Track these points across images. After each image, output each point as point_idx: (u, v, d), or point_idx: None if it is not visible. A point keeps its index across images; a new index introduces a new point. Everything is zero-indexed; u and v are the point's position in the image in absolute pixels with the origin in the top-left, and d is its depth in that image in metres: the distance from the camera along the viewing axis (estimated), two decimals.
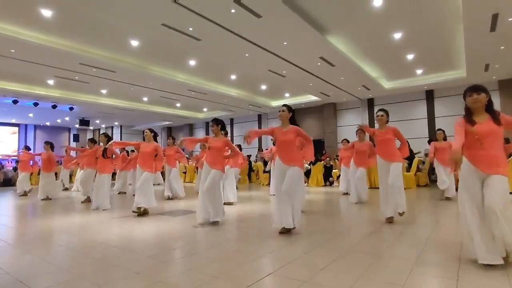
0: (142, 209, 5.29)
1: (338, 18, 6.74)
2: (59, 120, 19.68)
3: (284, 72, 9.70)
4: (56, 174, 9.44)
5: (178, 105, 15.30)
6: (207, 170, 4.50)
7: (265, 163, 12.06)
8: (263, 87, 12.48)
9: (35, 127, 21.46)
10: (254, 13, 5.87)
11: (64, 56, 7.95)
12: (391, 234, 3.75)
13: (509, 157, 6.15)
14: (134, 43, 7.77)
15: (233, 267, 2.65)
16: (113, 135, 21.77)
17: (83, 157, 7.31)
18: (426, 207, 6.02)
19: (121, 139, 19.99)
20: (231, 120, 18.39)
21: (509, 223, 2.34)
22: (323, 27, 7.11)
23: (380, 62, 9.71)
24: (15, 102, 12.64)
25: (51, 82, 10.89)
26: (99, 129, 22.75)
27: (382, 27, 7.12)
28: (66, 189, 10.85)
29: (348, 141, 7.96)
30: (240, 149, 8.46)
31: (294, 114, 4.08)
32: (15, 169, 13.40)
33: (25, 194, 8.98)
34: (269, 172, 9.66)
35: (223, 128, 4.83)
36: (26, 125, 21.11)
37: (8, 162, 16.72)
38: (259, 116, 17.35)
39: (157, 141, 5.87)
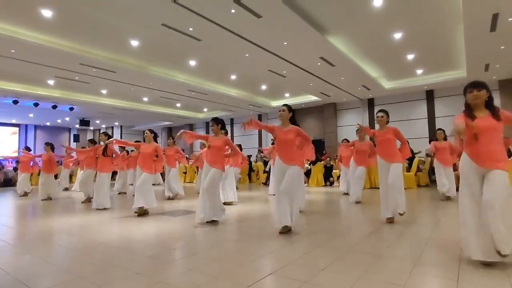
0: (143, 209, 5.30)
1: (338, 18, 6.73)
2: (59, 120, 19.67)
3: (284, 72, 9.70)
4: (56, 174, 9.44)
5: (178, 105, 15.29)
6: (208, 169, 4.51)
7: (265, 163, 12.08)
8: (263, 87, 12.47)
9: (36, 127, 21.44)
10: (254, 13, 5.87)
11: (64, 56, 7.94)
12: (391, 234, 3.75)
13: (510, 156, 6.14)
14: (134, 43, 7.77)
15: (233, 267, 2.66)
16: (113, 135, 21.72)
17: (82, 153, 7.31)
18: (427, 207, 6.02)
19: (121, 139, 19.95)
20: (231, 120, 18.39)
21: (506, 220, 2.34)
22: (323, 27, 7.10)
23: (380, 62, 9.70)
24: (15, 102, 12.63)
25: (51, 82, 10.88)
26: (99, 129, 22.72)
27: (382, 27, 7.12)
28: (66, 189, 10.85)
29: (348, 141, 7.96)
30: (240, 149, 8.47)
31: (294, 114, 4.08)
32: (15, 169, 13.40)
33: (25, 194, 8.98)
34: (268, 172, 9.67)
35: (223, 127, 4.84)
36: (26, 126, 21.10)
37: (9, 163, 16.71)
38: (259, 116, 17.34)
39: (157, 142, 5.88)
